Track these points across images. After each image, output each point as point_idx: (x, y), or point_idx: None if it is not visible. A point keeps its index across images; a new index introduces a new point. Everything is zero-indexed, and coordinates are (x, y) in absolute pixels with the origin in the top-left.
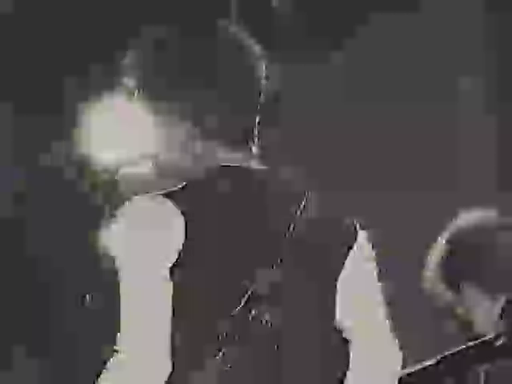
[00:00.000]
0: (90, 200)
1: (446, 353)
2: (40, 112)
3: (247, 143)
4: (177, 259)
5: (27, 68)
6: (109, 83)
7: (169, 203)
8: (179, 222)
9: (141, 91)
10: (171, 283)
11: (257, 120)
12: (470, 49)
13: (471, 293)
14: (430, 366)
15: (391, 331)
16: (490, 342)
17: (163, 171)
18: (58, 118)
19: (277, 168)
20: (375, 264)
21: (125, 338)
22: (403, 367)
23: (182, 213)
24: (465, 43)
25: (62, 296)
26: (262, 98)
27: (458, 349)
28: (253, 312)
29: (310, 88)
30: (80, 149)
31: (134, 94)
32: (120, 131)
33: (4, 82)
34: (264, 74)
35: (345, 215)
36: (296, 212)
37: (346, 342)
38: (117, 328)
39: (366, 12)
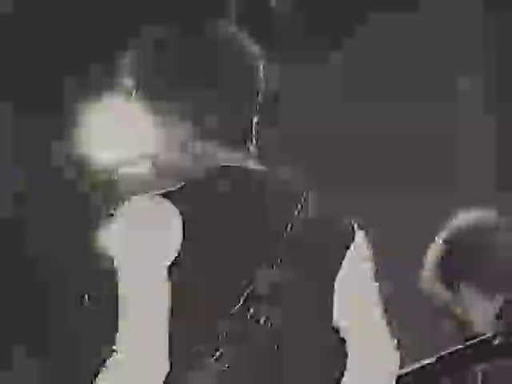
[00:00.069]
0: (89, 200)
1: (444, 352)
2: (40, 112)
3: (245, 143)
4: (175, 259)
5: (27, 68)
6: (109, 83)
7: (167, 203)
8: (177, 222)
9: (139, 91)
10: (169, 283)
11: (255, 120)
12: (469, 49)
13: (469, 293)
14: (427, 365)
15: (389, 331)
16: (487, 342)
17: (161, 171)
18: (57, 118)
19: (275, 168)
20: (372, 264)
21: (123, 338)
22: (400, 367)
23: (181, 213)
24: (464, 43)
25: (62, 296)
26: (261, 98)
27: (455, 348)
28: (251, 312)
29: (309, 88)
30: (79, 149)
31: (132, 94)
32: (119, 131)
33: (4, 82)
34: (262, 74)
35: (344, 215)
36: (294, 212)
37: (343, 341)
38: (116, 328)
39: (365, 12)
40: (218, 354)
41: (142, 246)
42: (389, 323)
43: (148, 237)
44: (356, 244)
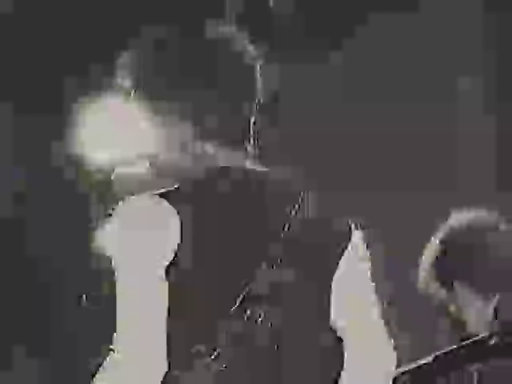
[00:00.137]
0: (89, 200)
1: (440, 352)
2: (40, 112)
3: (244, 143)
4: (173, 259)
5: (27, 68)
6: (108, 83)
7: (165, 203)
8: (175, 222)
9: (138, 91)
10: (167, 283)
11: (253, 120)
12: (469, 49)
13: (464, 292)
14: (423, 364)
15: (386, 331)
16: (482, 342)
17: (159, 171)
18: (57, 118)
19: (273, 168)
20: (370, 264)
21: (121, 338)
22: (398, 367)
23: (178, 213)
24: (464, 43)
25: (62, 296)
26: (259, 99)
27: (451, 348)
28: (248, 312)
29: (309, 88)
30: (78, 149)
31: (130, 94)
32: (117, 131)
33: (4, 82)
34: (260, 75)
35: (343, 215)
36: (292, 212)
37: (340, 341)
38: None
39: (365, 12)
40: (215, 354)
41: (139, 245)
42: (388, 323)
43: (146, 237)
44: (353, 244)
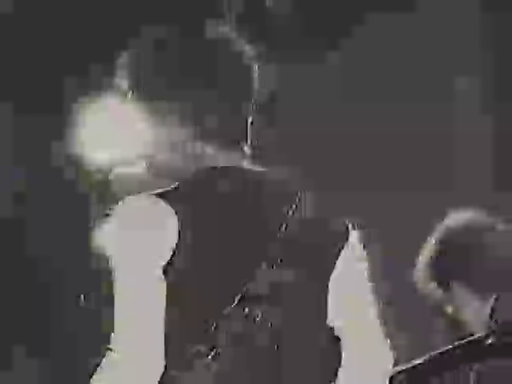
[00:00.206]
0: (89, 200)
1: (436, 351)
2: (40, 112)
3: (240, 143)
4: (170, 259)
5: (27, 68)
6: (108, 83)
7: (162, 203)
8: (173, 222)
9: (136, 91)
10: (165, 283)
11: (250, 120)
12: (466, 49)
13: (460, 292)
14: (419, 364)
15: (383, 331)
16: (479, 341)
17: (157, 171)
18: (57, 118)
19: (271, 168)
20: (367, 264)
21: (119, 338)
22: (394, 366)
23: (176, 213)
24: (461, 43)
25: (62, 296)
26: (256, 99)
27: (448, 348)
28: (246, 311)
29: (307, 88)
30: (78, 149)
31: (128, 94)
32: (115, 131)
33: (4, 82)
34: (257, 75)
35: (341, 215)
36: (289, 212)
37: (338, 341)
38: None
39: (363, 12)
40: (213, 353)
41: (137, 245)
42: (386, 323)
43: (143, 237)
44: (350, 244)
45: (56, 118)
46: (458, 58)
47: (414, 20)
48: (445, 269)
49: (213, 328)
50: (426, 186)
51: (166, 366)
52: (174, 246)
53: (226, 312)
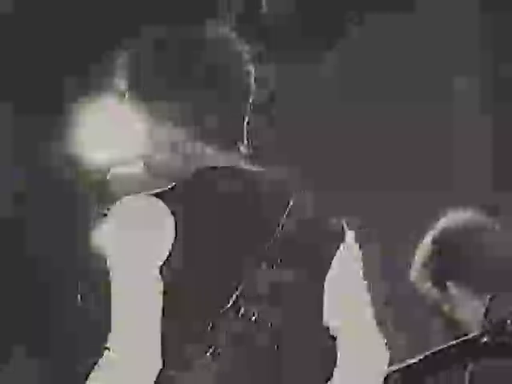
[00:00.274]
0: (89, 200)
1: (431, 350)
2: (40, 112)
3: (237, 144)
4: (167, 259)
5: (27, 68)
6: (108, 83)
7: (159, 203)
8: (170, 222)
9: (133, 92)
10: (162, 283)
11: (246, 120)
12: (465, 49)
13: (456, 292)
14: (414, 363)
15: (379, 330)
16: (473, 341)
17: (155, 171)
18: (57, 118)
19: (267, 168)
20: (363, 264)
21: (116, 337)
22: (390, 365)
23: (173, 213)
24: (460, 43)
25: (62, 296)
26: (253, 99)
27: (443, 347)
28: (242, 311)
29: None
30: (76, 149)
31: (125, 94)
32: (114, 131)
33: (4, 82)
34: (254, 75)
35: (340, 215)
36: (285, 212)
37: (333, 340)
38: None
39: (362, 12)
40: (210, 353)
41: (134, 245)
42: (384, 323)
43: (140, 237)
44: (346, 244)
45: (56, 118)
46: (457, 57)
47: (412, 20)
48: (440, 268)
49: (209, 328)
50: (425, 185)
51: (163, 366)
52: (171, 245)
53: (222, 312)
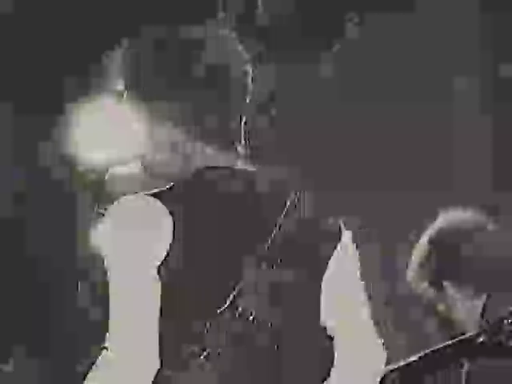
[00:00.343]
0: (88, 200)
1: (428, 350)
2: (40, 112)
3: (234, 144)
4: (165, 259)
5: (27, 68)
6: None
7: (157, 203)
8: (168, 222)
9: (132, 92)
10: (160, 283)
11: (243, 121)
12: (465, 49)
13: (452, 292)
14: (412, 362)
15: (375, 330)
16: (470, 340)
17: (153, 171)
18: (57, 118)
19: (265, 168)
20: (360, 264)
21: (114, 337)
22: (387, 365)
23: (171, 213)
24: (460, 43)
25: (62, 296)
26: (249, 100)
27: (439, 346)
28: (239, 310)
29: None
30: (73, 149)
31: (123, 94)
32: (112, 131)
33: (4, 82)
34: (251, 76)
35: (340, 215)
36: (283, 212)
37: (330, 340)
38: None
39: (362, 12)
40: (207, 353)
41: (132, 245)
42: (384, 323)
43: (138, 237)
44: (343, 244)
45: (56, 118)
46: (457, 57)
47: (412, 20)
48: (437, 268)
49: (207, 328)
50: (425, 186)
51: (160, 366)
52: (169, 246)
53: (220, 312)
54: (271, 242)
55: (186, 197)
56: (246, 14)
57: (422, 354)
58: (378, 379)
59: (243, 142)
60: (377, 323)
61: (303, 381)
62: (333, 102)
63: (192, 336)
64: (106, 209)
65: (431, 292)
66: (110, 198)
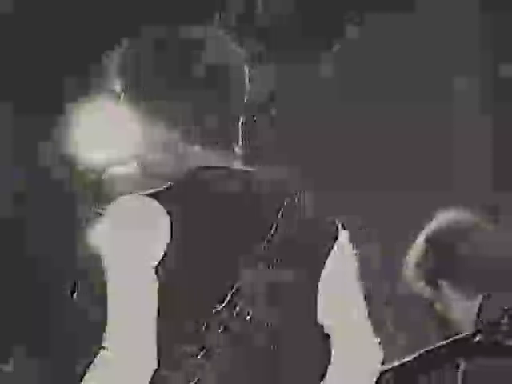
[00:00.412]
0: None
1: (424, 349)
2: (40, 112)
3: (231, 144)
4: (162, 259)
5: (27, 68)
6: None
7: (155, 203)
8: (165, 222)
9: (130, 92)
10: (157, 283)
11: (240, 121)
12: (465, 49)
13: (449, 291)
14: (407, 362)
15: (379, 330)
16: (467, 340)
17: (150, 171)
18: (57, 118)
19: (265, 168)
20: (356, 263)
21: (112, 337)
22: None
23: (168, 213)
24: (460, 43)
25: (62, 296)
26: (247, 100)
27: (435, 346)
28: (236, 310)
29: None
30: (72, 149)
31: (121, 95)
32: (111, 131)
33: (4, 82)
34: (248, 76)
35: (340, 215)
36: (279, 212)
37: (327, 339)
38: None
39: (362, 12)
40: (204, 353)
41: (129, 245)
42: (385, 322)
43: (135, 237)
44: (340, 244)
45: (56, 118)
46: (457, 57)
47: (412, 20)
48: (433, 268)
49: (204, 328)
50: (425, 185)
51: (158, 366)
52: (167, 246)
53: (217, 311)
54: (268, 241)
55: (183, 197)
56: (246, 14)
57: (417, 353)
58: (374, 378)
59: (241, 142)
60: (377, 323)
61: (300, 380)
62: (333, 102)
63: (190, 336)
64: (104, 208)
65: (428, 291)
66: (109, 198)
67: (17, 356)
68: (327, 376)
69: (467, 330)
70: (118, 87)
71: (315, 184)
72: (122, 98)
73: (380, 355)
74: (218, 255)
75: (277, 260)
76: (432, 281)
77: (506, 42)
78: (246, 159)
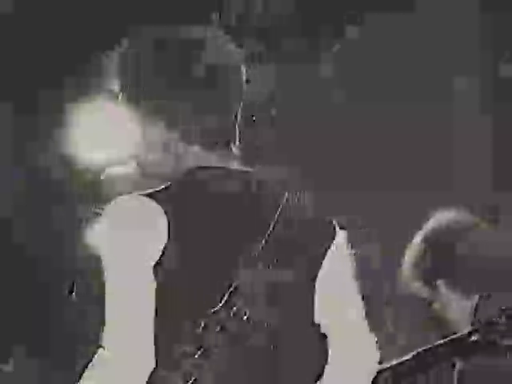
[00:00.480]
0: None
1: (421, 349)
2: (40, 112)
3: (229, 144)
4: (160, 259)
5: (27, 68)
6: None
7: (153, 203)
8: (163, 222)
9: (129, 92)
10: (155, 282)
11: (238, 121)
12: (465, 49)
13: (446, 291)
14: (404, 361)
15: (368, 329)
16: (463, 339)
17: (148, 171)
18: (57, 118)
19: (259, 168)
20: (353, 263)
21: (110, 336)
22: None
23: (166, 213)
24: (460, 43)
25: (62, 296)
26: (243, 100)
27: (432, 345)
28: (234, 310)
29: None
30: (72, 148)
31: (119, 95)
32: (110, 132)
33: (4, 82)
34: (245, 76)
35: (340, 215)
36: (277, 212)
37: (324, 339)
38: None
39: (362, 12)
40: (201, 353)
41: (127, 245)
42: (385, 322)
43: (133, 237)
44: (337, 244)
45: (56, 118)
46: (457, 57)
47: (412, 20)
48: (430, 268)
49: (202, 328)
50: (425, 185)
51: (156, 366)
52: (165, 245)
53: (214, 311)
54: (266, 241)
55: (181, 197)
56: (246, 14)
57: (414, 352)
58: (371, 378)
59: (238, 142)
60: (376, 323)
61: (297, 380)
62: (333, 102)
63: (187, 336)
64: (102, 208)
65: (425, 291)
66: (109, 198)
67: (17, 356)
68: (324, 375)
69: (464, 329)
70: (117, 87)
71: (315, 184)
72: (120, 97)
73: (377, 355)
74: (215, 255)
75: (274, 260)
76: (429, 280)
77: (505, 42)
78: (246, 159)
